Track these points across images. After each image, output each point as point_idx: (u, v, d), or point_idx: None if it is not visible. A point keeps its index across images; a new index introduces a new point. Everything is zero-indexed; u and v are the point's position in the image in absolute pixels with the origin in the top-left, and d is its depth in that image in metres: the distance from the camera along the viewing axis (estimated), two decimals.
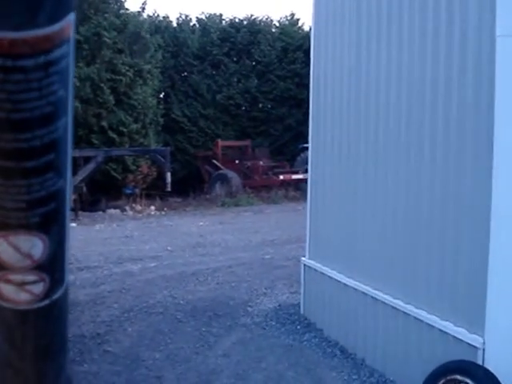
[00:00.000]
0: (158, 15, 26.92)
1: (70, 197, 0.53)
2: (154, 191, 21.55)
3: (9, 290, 0.55)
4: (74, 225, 16.60)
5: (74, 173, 17.56)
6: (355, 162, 6.52)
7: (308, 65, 7.93)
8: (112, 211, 19.58)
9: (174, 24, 27.35)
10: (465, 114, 4.76)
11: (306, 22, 27.74)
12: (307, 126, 7.84)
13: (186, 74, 26.87)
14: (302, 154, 21.42)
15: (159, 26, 25.92)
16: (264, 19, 28.04)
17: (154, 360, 6.44)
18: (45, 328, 0.63)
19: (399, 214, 5.68)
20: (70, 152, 0.50)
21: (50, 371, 0.71)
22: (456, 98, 4.85)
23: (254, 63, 27.29)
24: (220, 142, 24.58)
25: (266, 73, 26.95)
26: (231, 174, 22.91)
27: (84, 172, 18.13)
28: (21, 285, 0.55)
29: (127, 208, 20.00)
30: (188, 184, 23.61)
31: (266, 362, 6.34)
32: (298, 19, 28.27)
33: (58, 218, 0.52)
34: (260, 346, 6.83)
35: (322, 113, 7.38)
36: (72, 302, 8.43)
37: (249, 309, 8.24)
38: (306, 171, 10.04)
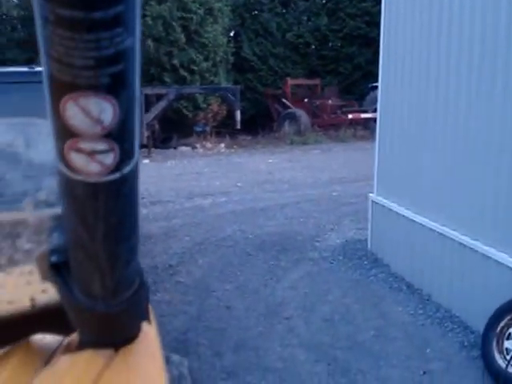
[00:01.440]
0: None
1: (139, 60, 0.51)
2: (224, 129, 21.73)
3: (80, 160, 0.54)
4: (146, 161, 16.98)
5: (146, 110, 17.86)
6: (425, 99, 6.45)
7: (379, 3, 7.78)
8: (183, 148, 19.88)
9: None
10: None
11: None
12: (377, 65, 7.74)
13: (256, 12, 26.61)
14: (372, 93, 21.12)
15: None
16: None
17: (223, 291, 6.65)
18: (115, 205, 0.62)
19: (468, 148, 5.63)
20: (139, 6, 0.48)
21: (122, 254, 0.70)
22: None
23: (324, 1, 26.75)
24: (289, 81, 24.41)
25: (337, 11, 26.42)
26: (300, 112, 22.82)
27: (156, 109, 18.39)
28: (91, 154, 0.54)
29: (198, 145, 20.27)
30: (257, 122, 23.68)
31: (332, 295, 6.47)
32: None
33: (128, 81, 0.51)
34: (327, 279, 6.95)
35: (392, 51, 7.28)
36: (145, 235, 8.73)
37: (316, 244, 8.36)
38: (374, 110, 9.94)
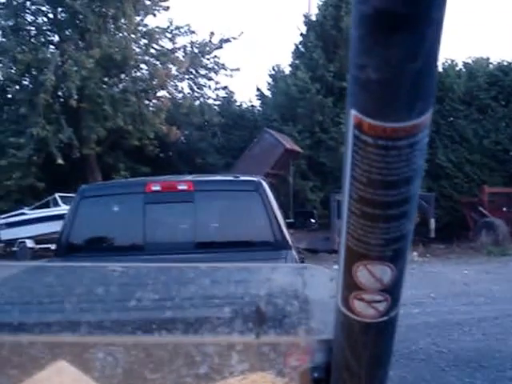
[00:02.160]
0: None
1: (411, 235, 0.69)
2: (417, 237, 21.41)
3: (360, 306, 0.72)
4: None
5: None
6: None
7: None
8: None
9: (440, 69, 27.21)
10: None
11: None
12: None
13: (451, 118, 26.49)
14: None
15: None
16: None
17: None
18: (381, 339, 0.80)
19: None
20: (417, 202, 0.67)
21: (378, 376, 0.87)
22: None
23: None
24: (487, 189, 23.66)
25: None
26: (498, 221, 21.94)
27: None
28: (370, 302, 0.71)
29: None
30: (452, 231, 23.09)
31: None
32: None
33: (404, 253, 0.68)
34: None
35: None
36: None
37: None
38: None
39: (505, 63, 26.97)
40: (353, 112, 0.58)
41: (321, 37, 25.33)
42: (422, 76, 0.54)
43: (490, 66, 27.33)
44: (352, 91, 0.57)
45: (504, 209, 23.14)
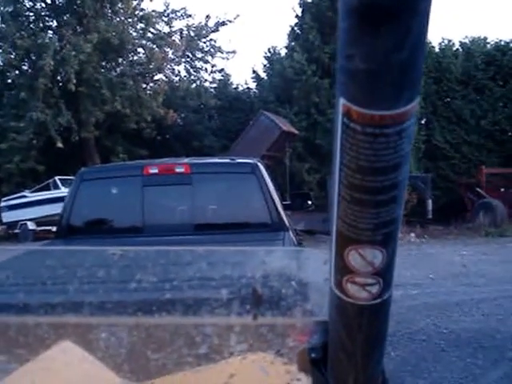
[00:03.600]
0: None
1: (401, 219, 0.69)
2: (415, 218, 21.51)
3: (353, 289, 0.72)
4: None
5: None
6: None
7: None
8: None
9: (437, 49, 27.16)
10: None
11: None
12: None
13: (448, 99, 26.48)
14: None
15: None
16: None
17: None
18: (375, 321, 0.80)
19: None
20: (406, 188, 0.67)
21: (374, 357, 0.89)
22: None
23: None
24: (484, 169, 23.72)
25: None
26: (496, 202, 21.96)
27: None
28: (362, 285, 0.72)
29: None
30: (449, 212, 23.13)
31: None
32: None
33: (394, 237, 0.68)
34: None
35: None
36: None
37: None
38: None
39: (502, 43, 26.96)
40: (341, 101, 0.59)
41: (316, 18, 25.15)
42: (408, 66, 0.55)
43: (488, 45, 27.26)
44: (340, 80, 0.59)
45: (502, 189, 23.21)
